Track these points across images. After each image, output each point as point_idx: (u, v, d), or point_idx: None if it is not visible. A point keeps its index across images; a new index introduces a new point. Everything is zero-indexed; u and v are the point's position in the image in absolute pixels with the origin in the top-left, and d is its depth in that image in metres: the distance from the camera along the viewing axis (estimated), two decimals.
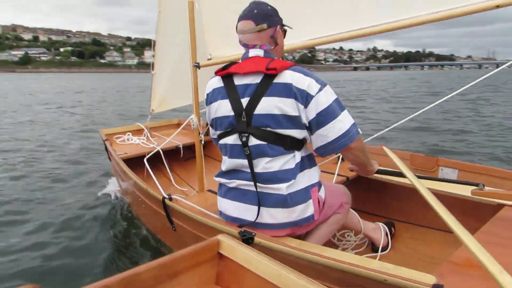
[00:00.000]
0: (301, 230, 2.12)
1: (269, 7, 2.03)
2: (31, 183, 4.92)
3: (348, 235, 2.71)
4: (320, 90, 1.87)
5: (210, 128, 2.21)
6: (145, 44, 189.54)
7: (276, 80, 1.90)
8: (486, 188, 2.36)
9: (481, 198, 2.27)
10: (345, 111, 1.91)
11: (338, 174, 3.00)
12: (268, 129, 1.93)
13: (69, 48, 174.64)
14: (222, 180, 2.12)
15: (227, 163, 2.09)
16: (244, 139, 1.98)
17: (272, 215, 2.01)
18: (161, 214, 2.66)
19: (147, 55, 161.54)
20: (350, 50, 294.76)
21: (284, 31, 2.09)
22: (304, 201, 2.00)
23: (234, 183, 2.07)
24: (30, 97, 21.30)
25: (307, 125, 1.91)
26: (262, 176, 1.98)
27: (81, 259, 2.96)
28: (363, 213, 3.00)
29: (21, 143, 7.54)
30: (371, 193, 3.18)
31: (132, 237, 3.31)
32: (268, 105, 1.90)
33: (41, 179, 5.07)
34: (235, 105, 1.98)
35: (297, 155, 1.99)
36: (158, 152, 3.61)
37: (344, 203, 2.28)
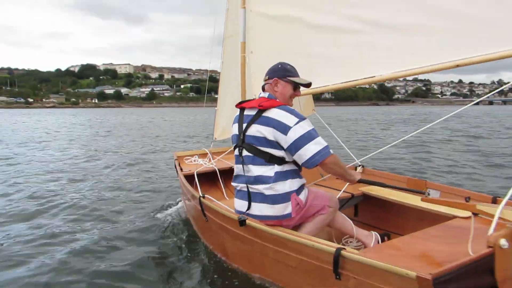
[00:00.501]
0: (285, 223, 2.85)
1: (279, 66, 3.02)
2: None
3: (350, 241, 3.29)
4: (297, 123, 2.70)
5: None
6: None
7: (264, 114, 2.79)
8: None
9: (438, 210, 3.07)
10: (319, 138, 2.72)
11: (344, 191, 3.75)
12: (253, 145, 2.81)
13: (188, 85, 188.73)
14: (234, 184, 3.01)
15: (235, 168, 3.00)
16: (240, 150, 2.90)
17: (259, 209, 2.85)
18: (199, 209, 3.54)
19: None
20: (471, 83, 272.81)
21: (293, 83, 2.97)
22: (284, 202, 2.80)
23: (238, 186, 2.95)
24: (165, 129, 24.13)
25: (285, 147, 2.73)
26: (250, 179, 2.84)
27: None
28: (366, 225, 3.75)
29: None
30: (374, 209, 3.87)
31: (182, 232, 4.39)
32: (254, 130, 2.81)
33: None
34: (239, 128, 2.92)
35: (276, 167, 2.79)
36: (216, 172, 4.65)
37: (327, 206, 2.97)
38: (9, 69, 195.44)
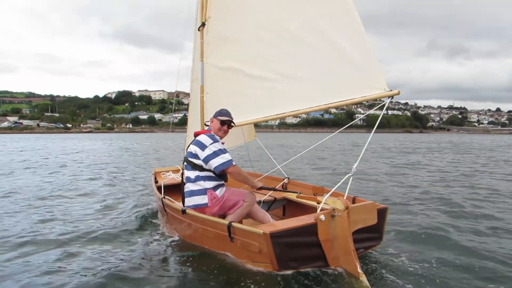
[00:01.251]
0: (208, 211, 4.27)
1: (218, 110, 4.62)
2: None
3: None
4: (211, 143, 4.24)
5: None
6: None
7: (196, 138, 4.40)
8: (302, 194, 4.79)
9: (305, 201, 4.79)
10: (225, 154, 4.24)
11: (269, 195, 5.31)
12: (187, 157, 4.39)
13: None
14: None
15: None
16: (184, 162, 4.53)
17: (187, 201, 4.40)
18: (161, 206, 5.09)
19: None
20: (510, 111, 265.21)
21: (220, 121, 4.50)
22: (200, 195, 4.30)
23: None
24: None
25: (202, 159, 4.25)
26: (185, 181, 4.46)
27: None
28: (283, 218, 5.20)
29: None
30: (294, 209, 5.25)
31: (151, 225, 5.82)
32: (189, 148, 4.39)
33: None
34: (188, 147, 4.47)
35: (197, 172, 4.31)
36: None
37: (241, 200, 4.33)
38: (51, 96, 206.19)
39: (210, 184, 4.32)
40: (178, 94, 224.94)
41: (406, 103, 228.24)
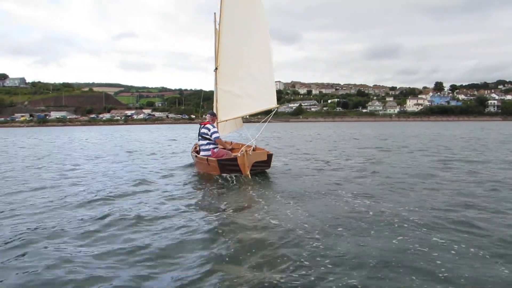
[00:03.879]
0: (210, 157, 10.25)
1: (209, 112, 11.22)
2: None
3: None
4: (212, 128, 10.59)
5: None
6: (408, 93, 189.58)
7: (205, 125, 10.68)
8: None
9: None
10: (217, 133, 10.59)
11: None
12: (201, 134, 10.72)
13: (336, 100, 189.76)
14: None
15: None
16: (199, 137, 10.90)
17: (202, 153, 10.75)
18: (193, 157, 11.76)
19: (409, 103, 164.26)
20: None
21: (212, 117, 10.87)
22: (208, 151, 10.54)
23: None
24: None
25: (209, 135, 10.47)
26: (200, 145, 10.90)
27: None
28: None
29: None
30: None
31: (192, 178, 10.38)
32: (202, 130, 10.72)
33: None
34: (199, 130, 10.84)
35: (207, 141, 10.57)
36: None
37: (225, 153, 10.50)
38: (180, 90, 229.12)
39: (212, 146, 10.17)
40: (293, 84, 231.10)
41: None
